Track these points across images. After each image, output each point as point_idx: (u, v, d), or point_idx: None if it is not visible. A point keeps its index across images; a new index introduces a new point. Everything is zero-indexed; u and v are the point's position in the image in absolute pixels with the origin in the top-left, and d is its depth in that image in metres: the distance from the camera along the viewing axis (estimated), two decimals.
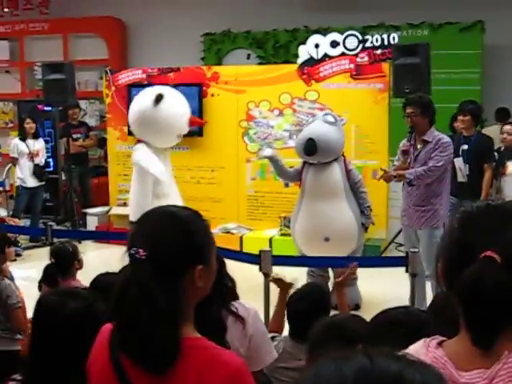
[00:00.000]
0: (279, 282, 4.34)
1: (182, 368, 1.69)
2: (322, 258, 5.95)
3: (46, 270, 4.90)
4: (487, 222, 1.55)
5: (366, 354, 0.78)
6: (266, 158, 6.87)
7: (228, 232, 9.02)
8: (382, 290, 6.92)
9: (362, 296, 6.75)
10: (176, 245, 1.76)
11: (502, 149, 7.95)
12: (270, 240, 8.68)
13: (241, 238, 8.92)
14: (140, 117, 7.02)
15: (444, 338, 1.60)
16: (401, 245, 8.69)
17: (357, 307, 6.54)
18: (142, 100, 7.08)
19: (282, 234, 8.64)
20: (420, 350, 1.57)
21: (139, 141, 7.12)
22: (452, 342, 1.58)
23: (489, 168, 7.54)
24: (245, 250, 7.85)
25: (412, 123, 6.24)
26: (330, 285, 6.72)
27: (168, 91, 7.23)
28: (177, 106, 7.10)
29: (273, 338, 3.79)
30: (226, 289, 2.63)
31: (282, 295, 4.18)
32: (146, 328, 1.69)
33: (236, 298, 2.78)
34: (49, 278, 4.79)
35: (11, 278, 4.93)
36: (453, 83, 10.05)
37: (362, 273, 6.66)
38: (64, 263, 4.75)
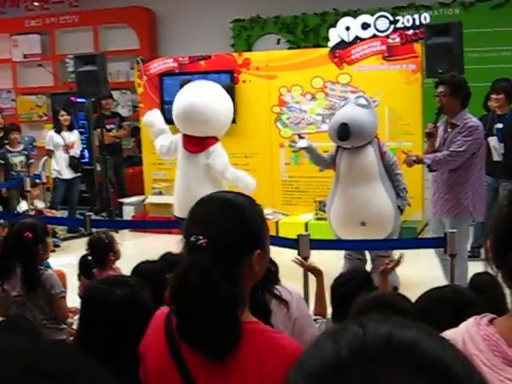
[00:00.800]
0: (312, 269, 4.37)
1: (241, 352, 1.71)
2: (359, 241, 5.94)
3: (82, 261, 4.96)
4: None
5: (357, 323, 0.80)
6: (303, 149, 6.80)
7: None
8: (420, 271, 6.88)
9: (400, 278, 6.72)
10: (235, 231, 1.78)
11: None
12: (306, 224, 8.68)
13: (276, 223, 8.93)
14: (205, 107, 6.69)
15: (494, 316, 1.60)
16: None
17: (395, 289, 6.52)
18: (217, 95, 6.87)
19: (318, 219, 8.64)
20: (471, 327, 1.57)
21: (211, 140, 6.89)
22: (503, 320, 1.58)
23: None
24: (281, 235, 7.85)
25: (441, 103, 6.07)
26: (368, 267, 6.75)
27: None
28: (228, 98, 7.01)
29: (315, 321, 3.82)
30: (270, 273, 2.64)
31: (319, 281, 4.20)
32: (210, 315, 1.70)
33: (278, 281, 2.80)
34: (85, 270, 4.86)
35: None
36: (485, 62, 9.92)
37: (398, 255, 6.67)
38: (99, 254, 4.82)
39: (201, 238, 1.72)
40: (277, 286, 2.66)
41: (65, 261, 7.58)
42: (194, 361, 1.77)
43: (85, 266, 4.90)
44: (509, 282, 1.57)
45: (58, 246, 9.30)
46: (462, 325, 1.61)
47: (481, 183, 6.09)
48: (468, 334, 1.56)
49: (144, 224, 9.27)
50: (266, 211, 9.11)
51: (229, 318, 1.71)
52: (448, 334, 1.62)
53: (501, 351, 1.49)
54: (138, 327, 2.36)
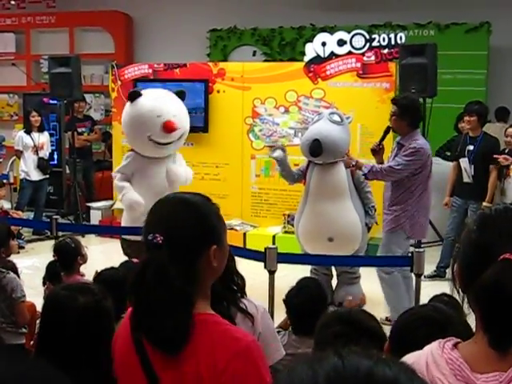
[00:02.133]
0: None
1: (195, 342, 1.76)
2: (325, 256, 5.94)
3: (49, 267, 4.90)
4: (506, 225, 1.56)
5: (337, 354, 0.79)
6: (275, 160, 6.74)
7: (232, 228, 9.02)
8: None
9: (366, 294, 6.75)
10: (191, 228, 1.85)
11: (507, 151, 7.95)
12: (274, 237, 8.68)
13: (244, 234, 8.92)
14: (122, 118, 6.65)
15: (459, 340, 1.60)
16: None
17: (359, 306, 6.55)
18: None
19: (286, 232, 8.64)
20: (435, 350, 1.58)
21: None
22: (467, 344, 1.58)
23: (494, 169, 7.51)
24: (248, 247, 7.85)
25: (391, 123, 6.12)
26: (333, 283, 6.77)
27: (155, 92, 6.79)
28: (150, 107, 6.35)
29: (278, 332, 3.84)
30: (236, 286, 2.64)
31: None
32: (163, 310, 1.76)
33: (244, 295, 2.79)
34: (52, 275, 4.80)
35: (15, 272, 4.92)
36: (458, 84, 10.06)
37: (365, 272, 6.70)
38: (67, 259, 4.77)
39: (157, 236, 1.78)
40: (243, 300, 2.65)
41: (28, 263, 7.50)
42: (154, 352, 1.82)
43: (52, 273, 4.83)
44: (475, 307, 1.57)
45: (22, 247, 9.19)
46: (426, 348, 1.62)
47: (425, 204, 6.10)
48: (432, 358, 1.57)
49: (111, 229, 9.19)
50: (235, 222, 9.11)
51: (180, 312, 1.77)
52: (411, 356, 1.63)
53: (464, 376, 1.50)
54: (99, 335, 2.34)
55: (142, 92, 6.55)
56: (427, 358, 1.57)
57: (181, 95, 6.73)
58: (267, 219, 9.22)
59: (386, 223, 6.10)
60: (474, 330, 1.65)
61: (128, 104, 6.49)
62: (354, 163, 6.15)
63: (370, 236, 8.15)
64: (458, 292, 1.63)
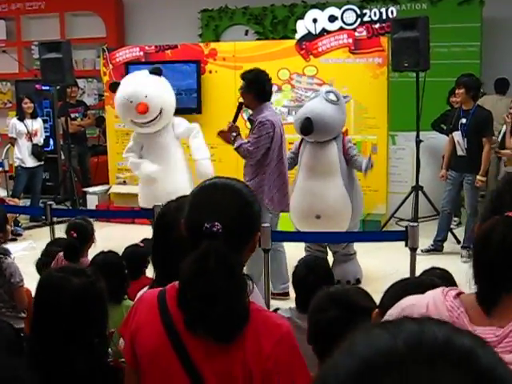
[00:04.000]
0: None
1: (242, 331, 1.78)
2: (319, 233, 5.94)
3: (68, 245, 4.86)
4: None
5: (414, 321, 0.80)
6: None
7: None
8: (383, 264, 6.94)
9: (363, 270, 6.76)
10: (243, 216, 1.86)
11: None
12: None
13: None
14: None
15: (462, 291, 1.61)
16: (401, 219, 8.72)
17: (357, 281, 6.56)
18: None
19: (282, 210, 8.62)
20: (438, 296, 1.58)
21: None
22: (470, 295, 1.58)
23: (487, 142, 7.49)
24: None
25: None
26: (330, 260, 6.78)
27: (129, 77, 7.50)
28: (123, 94, 7.06)
29: (276, 310, 3.83)
30: None
31: None
32: (227, 299, 1.74)
33: None
34: (71, 253, 4.76)
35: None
36: (452, 57, 10.01)
37: (362, 247, 6.71)
38: (86, 238, 4.89)
39: (216, 224, 1.76)
40: None
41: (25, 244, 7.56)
42: (193, 341, 1.80)
43: (71, 250, 4.79)
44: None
45: (20, 234, 9.21)
46: (429, 292, 1.62)
47: (279, 176, 6.16)
48: (433, 301, 1.58)
49: (108, 214, 9.20)
50: None
51: (241, 300, 1.77)
52: (413, 298, 1.64)
53: (462, 326, 1.49)
54: (92, 317, 2.35)
55: (121, 81, 7.21)
56: (428, 301, 1.58)
57: (157, 71, 7.20)
58: None
59: None
60: None
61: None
62: (232, 136, 6.16)
63: (366, 212, 8.19)
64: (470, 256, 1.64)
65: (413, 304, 1.61)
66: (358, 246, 6.70)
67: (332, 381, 0.76)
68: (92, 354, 2.36)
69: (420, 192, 8.14)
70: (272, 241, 4.93)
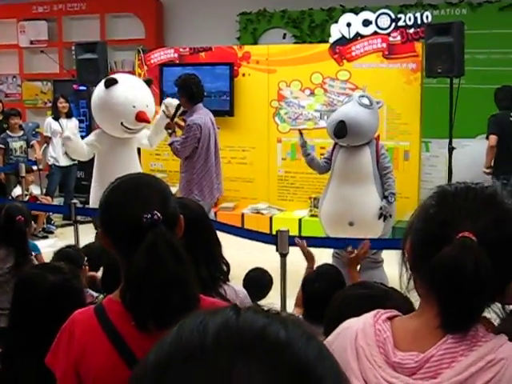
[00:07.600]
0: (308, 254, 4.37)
1: None
2: (342, 239, 5.86)
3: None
4: (466, 204, 1.50)
5: (234, 309, 0.75)
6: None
7: (258, 212, 9.00)
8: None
9: (390, 279, 6.64)
10: (169, 201, 1.89)
11: None
12: (300, 221, 8.63)
13: (270, 218, 8.89)
14: (94, 99, 7.09)
15: (399, 314, 1.56)
16: None
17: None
18: (100, 84, 7.09)
19: (312, 215, 8.58)
20: (368, 320, 1.54)
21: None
22: (405, 319, 1.54)
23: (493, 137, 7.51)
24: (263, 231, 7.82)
25: None
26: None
27: (130, 80, 7.29)
28: (127, 96, 6.85)
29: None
30: (220, 272, 2.63)
31: (310, 267, 4.23)
32: (185, 286, 1.77)
33: (227, 280, 2.76)
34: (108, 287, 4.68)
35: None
36: (492, 64, 9.82)
37: (391, 255, 6.58)
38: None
39: (155, 213, 1.78)
40: (224, 285, 2.63)
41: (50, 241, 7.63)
42: (145, 351, 1.75)
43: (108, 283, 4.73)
44: (425, 285, 1.52)
45: (51, 232, 9.31)
46: (364, 315, 1.58)
47: (208, 171, 6.87)
48: (363, 326, 1.54)
49: None
50: (261, 206, 9.09)
51: (194, 288, 1.81)
52: (348, 322, 1.61)
53: (386, 350, 1.46)
54: (67, 314, 2.34)
55: (119, 80, 6.97)
56: (359, 325, 1.54)
57: (148, 83, 7.31)
58: (293, 203, 9.16)
59: (180, 190, 6.89)
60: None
61: (102, 89, 6.90)
62: (169, 134, 6.93)
63: (397, 219, 8.07)
64: (406, 270, 1.57)
65: (346, 328, 1.59)
66: (385, 255, 6.59)
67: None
68: None
69: None
70: (289, 245, 4.88)
